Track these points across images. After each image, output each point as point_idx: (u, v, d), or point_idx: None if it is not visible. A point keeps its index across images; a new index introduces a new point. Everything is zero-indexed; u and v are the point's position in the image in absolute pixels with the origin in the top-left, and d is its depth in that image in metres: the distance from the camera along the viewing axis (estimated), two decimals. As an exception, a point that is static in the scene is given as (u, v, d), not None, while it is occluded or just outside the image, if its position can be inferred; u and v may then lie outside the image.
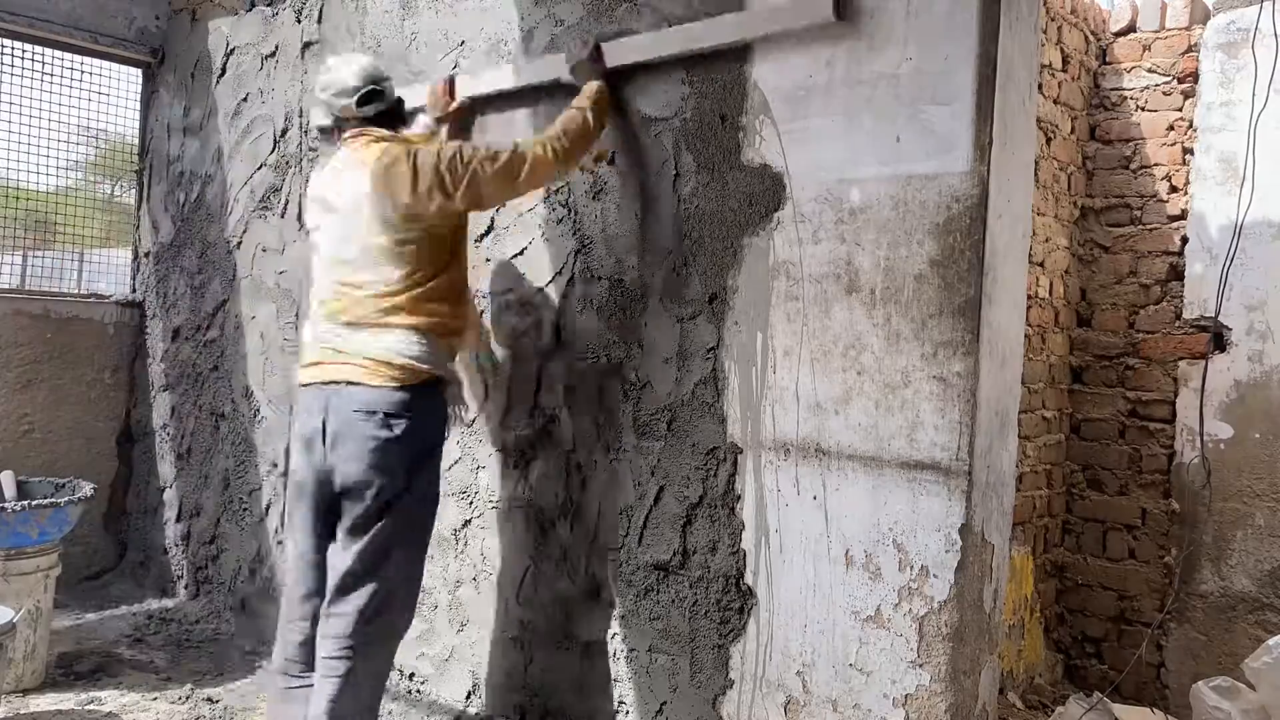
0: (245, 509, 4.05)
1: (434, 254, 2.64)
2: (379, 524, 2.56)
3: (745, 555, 2.60)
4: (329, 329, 2.67)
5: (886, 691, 2.34)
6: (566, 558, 2.99)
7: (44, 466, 4.30)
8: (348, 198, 2.66)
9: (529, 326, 3.09)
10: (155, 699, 3.29)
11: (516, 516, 3.12)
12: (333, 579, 2.59)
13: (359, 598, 2.55)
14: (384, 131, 2.73)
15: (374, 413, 2.54)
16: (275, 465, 3.92)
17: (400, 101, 2.85)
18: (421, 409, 2.59)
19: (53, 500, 3.34)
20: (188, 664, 3.63)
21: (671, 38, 2.70)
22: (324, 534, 2.66)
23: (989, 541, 2.34)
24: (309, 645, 2.65)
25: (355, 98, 2.70)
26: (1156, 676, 3.83)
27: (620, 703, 2.86)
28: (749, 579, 2.60)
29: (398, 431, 2.54)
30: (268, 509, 3.95)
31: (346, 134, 2.74)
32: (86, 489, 3.55)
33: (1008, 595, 3.17)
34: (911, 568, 2.31)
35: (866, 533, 2.38)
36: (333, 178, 2.75)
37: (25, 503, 3.27)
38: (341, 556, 2.59)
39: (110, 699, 3.28)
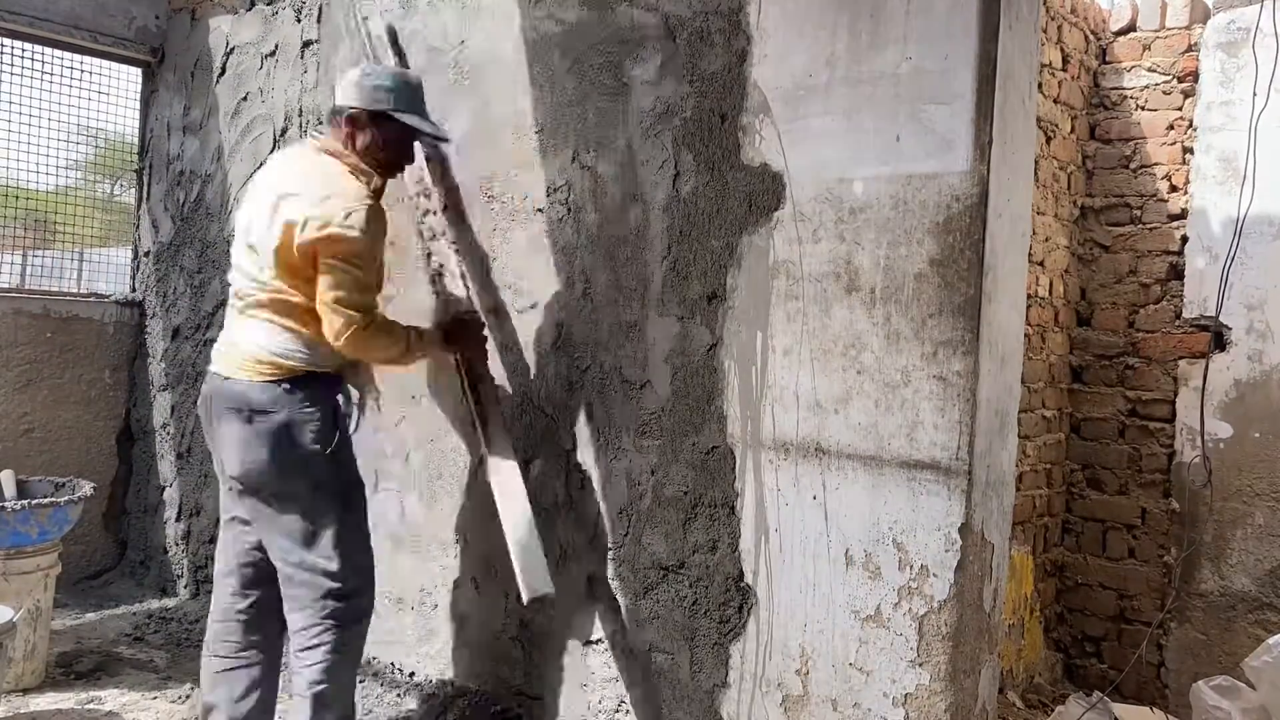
0: (245, 508, 4.05)
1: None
2: (280, 518, 2.56)
3: (745, 554, 2.60)
4: (229, 313, 2.69)
5: (886, 690, 2.34)
6: (566, 557, 2.99)
7: (44, 466, 4.30)
8: (279, 188, 2.55)
9: (531, 324, 3.09)
10: (155, 698, 3.29)
11: (516, 516, 3.12)
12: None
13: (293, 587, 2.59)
14: (348, 154, 2.61)
15: (240, 409, 2.53)
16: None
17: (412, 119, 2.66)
18: (292, 404, 2.52)
19: (53, 499, 3.34)
20: (188, 663, 3.62)
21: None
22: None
23: (989, 541, 2.34)
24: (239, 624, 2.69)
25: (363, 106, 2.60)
26: (1156, 676, 3.83)
27: (620, 702, 2.86)
28: (749, 578, 2.60)
29: (263, 427, 2.51)
30: (268, 508, 3.95)
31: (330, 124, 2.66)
32: (86, 488, 3.55)
33: (1007, 594, 3.17)
34: (911, 567, 2.31)
35: (866, 532, 2.39)
36: (286, 161, 2.67)
37: (25, 502, 3.27)
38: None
39: (110, 698, 3.28)
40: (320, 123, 3.79)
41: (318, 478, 2.57)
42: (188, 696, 3.30)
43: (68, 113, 4.55)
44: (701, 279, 2.69)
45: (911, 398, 2.31)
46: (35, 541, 3.28)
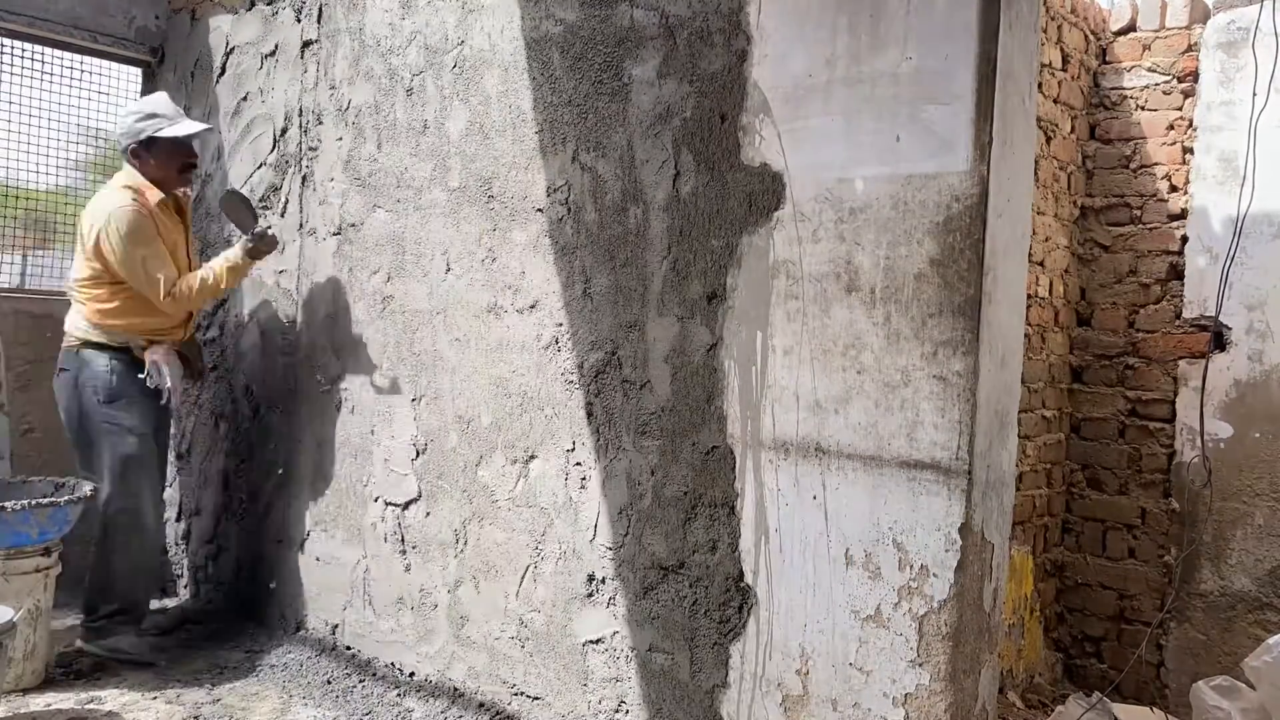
0: (245, 508, 4.05)
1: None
2: None
3: (745, 554, 2.60)
4: None
5: (886, 691, 2.34)
6: (566, 557, 2.99)
7: (44, 466, 4.30)
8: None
9: (530, 323, 3.09)
10: (155, 698, 3.29)
11: (516, 515, 3.12)
12: None
13: None
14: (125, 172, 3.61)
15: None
16: (274, 464, 3.92)
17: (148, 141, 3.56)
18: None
19: (53, 499, 3.34)
20: (187, 663, 3.63)
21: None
22: None
23: (989, 541, 2.34)
24: None
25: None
26: (1156, 676, 3.83)
27: (621, 702, 2.86)
28: (749, 578, 2.60)
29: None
30: (268, 509, 3.95)
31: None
32: (86, 488, 3.54)
33: (1007, 594, 3.17)
34: (911, 567, 2.31)
35: (866, 532, 2.39)
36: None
37: (25, 502, 3.27)
38: None
39: (110, 698, 3.28)
40: (320, 122, 3.79)
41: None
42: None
43: (68, 113, 4.55)
44: (701, 279, 2.69)
45: (911, 398, 2.32)
46: (35, 541, 3.28)
